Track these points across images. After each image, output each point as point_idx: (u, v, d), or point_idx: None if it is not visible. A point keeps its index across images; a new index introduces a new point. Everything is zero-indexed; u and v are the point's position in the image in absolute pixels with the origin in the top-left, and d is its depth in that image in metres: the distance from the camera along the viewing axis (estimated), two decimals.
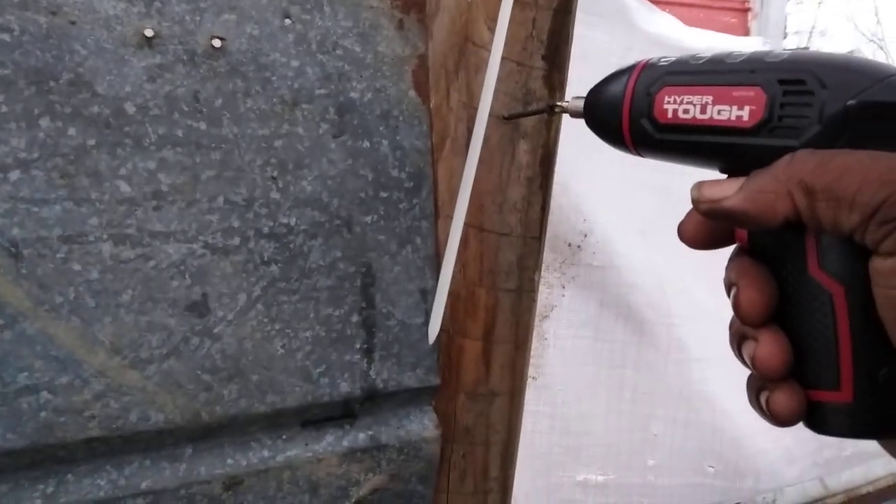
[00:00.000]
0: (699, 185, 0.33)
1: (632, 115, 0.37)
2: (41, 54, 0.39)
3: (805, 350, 0.31)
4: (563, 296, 0.76)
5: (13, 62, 0.38)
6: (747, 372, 0.95)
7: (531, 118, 0.49)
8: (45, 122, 0.39)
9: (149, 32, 0.41)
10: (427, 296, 0.49)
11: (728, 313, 0.86)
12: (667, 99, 0.35)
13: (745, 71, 0.33)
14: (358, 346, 0.48)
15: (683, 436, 0.87)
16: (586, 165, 0.73)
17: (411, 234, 0.49)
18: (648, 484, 0.87)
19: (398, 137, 0.48)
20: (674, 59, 0.36)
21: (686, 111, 0.34)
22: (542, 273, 0.73)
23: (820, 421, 0.31)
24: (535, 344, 0.76)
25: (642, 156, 0.39)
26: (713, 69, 0.34)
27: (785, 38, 4.28)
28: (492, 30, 0.47)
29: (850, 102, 0.29)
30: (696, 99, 0.34)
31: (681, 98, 0.34)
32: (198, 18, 0.42)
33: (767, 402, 0.31)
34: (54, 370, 0.39)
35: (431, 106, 0.48)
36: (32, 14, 0.38)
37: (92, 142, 0.40)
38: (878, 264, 0.28)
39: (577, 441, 0.82)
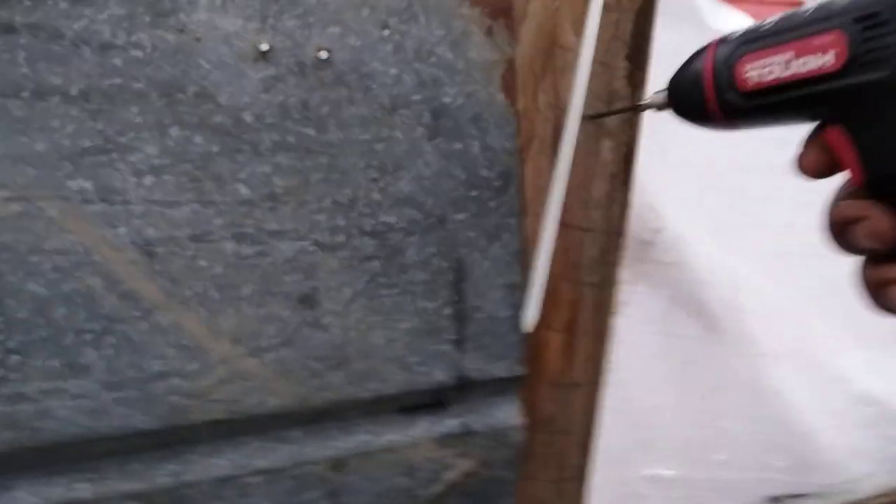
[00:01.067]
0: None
1: (717, 92, 0.38)
2: (170, 69, 0.42)
3: None
4: (635, 293, 0.77)
5: (145, 76, 0.42)
6: (817, 366, 0.94)
7: (615, 117, 0.51)
8: (174, 132, 0.42)
9: (264, 47, 0.44)
10: (514, 290, 0.52)
11: (793, 309, 0.86)
12: (747, 67, 0.37)
13: (818, 20, 0.34)
14: (450, 337, 0.50)
15: (752, 430, 0.87)
16: (659, 164, 0.75)
17: (500, 230, 0.51)
18: (716, 479, 0.87)
19: (488, 139, 0.50)
20: (742, 30, 0.38)
21: (770, 72, 0.36)
22: None
23: None
24: None
25: (738, 128, 0.40)
26: (786, 27, 0.35)
27: None
28: (577, 33, 0.49)
29: None
30: (776, 59, 0.35)
31: (761, 62, 0.36)
32: (306, 33, 0.45)
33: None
34: (184, 358, 0.42)
35: (519, 108, 0.51)
36: (161, 32, 0.42)
37: (216, 149, 0.43)
38: None
39: (647, 435, 0.83)
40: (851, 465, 0.94)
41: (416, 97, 0.48)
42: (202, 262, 0.43)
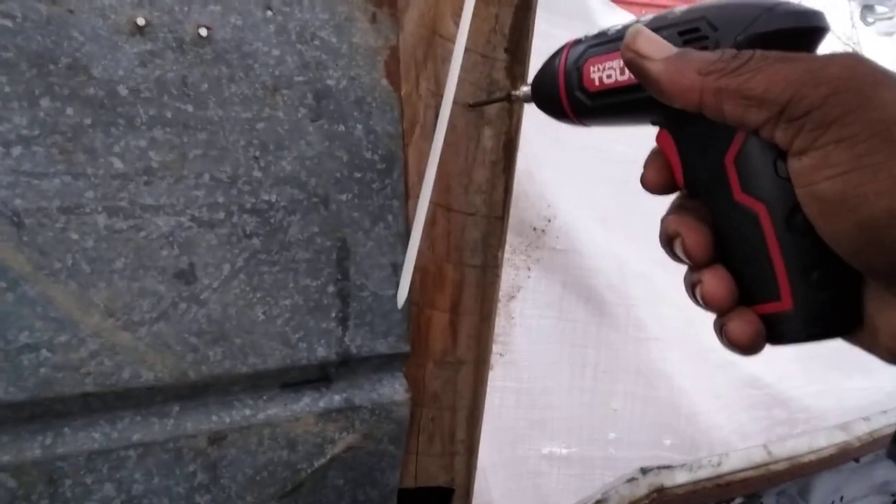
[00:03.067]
0: (637, 32, 0.35)
1: (567, 90, 0.41)
2: (41, 39, 0.42)
3: (745, 273, 0.34)
4: (529, 277, 0.80)
5: (15, 46, 0.41)
6: (704, 351, 1.00)
7: (495, 106, 0.53)
8: (45, 102, 0.42)
9: (140, 21, 0.44)
10: (398, 269, 0.54)
11: (680, 297, 0.92)
12: (592, 69, 0.39)
13: (652, 29, 0.36)
14: (334, 314, 0.52)
15: (642, 411, 0.92)
16: (550, 156, 0.78)
17: (383, 212, 0.53)
18: (609, 457, 0.92)
19: (371, 122, 0.52)
20: (594, 33, 0.41)
21: (609, 76, 0.38)
22: (510, 255, 0.77)
23: (772, 334, 0.34)
24: (502, 322, 0.81)
25: (586, 125, 0.43)
26: (623, 35, 0.37)
27: None
28: (458, 24, 0.51)
29: (739, 38, 0.33)
30: (615, 63, 0.38)
31: (603, 65, 0.39)
32: (186, 9, 0.46)
33: (726, 334, 0.34)
34: (53, 330, 0.42)
35: (402, 94, 0.52)
36: (33, 2, 0.42)
37: (88, 121, 0.43)
38: (794, 165, 0.31)
39: (542, 415, 0.86)
40: (738, 445, 1.01)
41: (300, 78, 0.49)
42: (73, 235, 0.43)
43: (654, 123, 0.39)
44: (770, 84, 0.30)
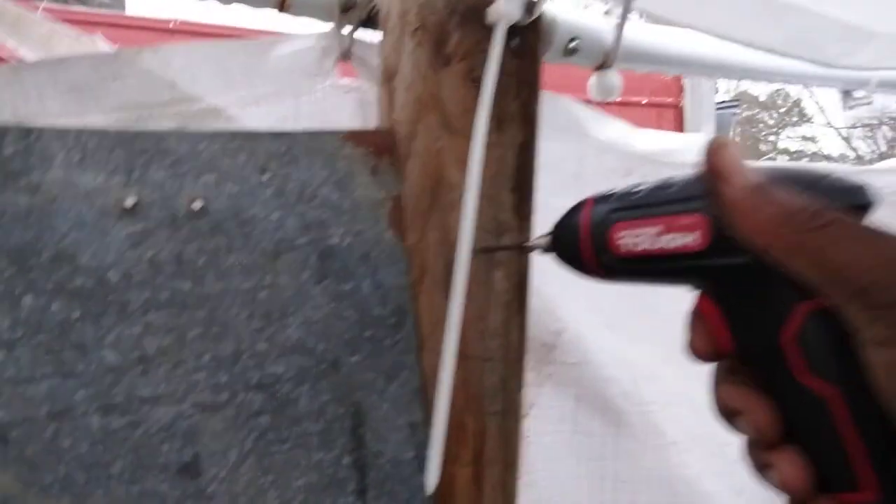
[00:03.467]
0: (723, 145, 0.32)
1: (594, 251, 0.39)
2: (21, 234, 0.39)
3: (819, 459, 0.31)
4: (541, 394, 0.77)
5: None
6: (721, 446, 0.95)
7: (504, 254, 0.51)
8: (27, 301, 0.39)
9: (129, 202, 0.42)
10: (416, 429, 0.50)
11: (692, 393, 0.88)
12: (618, 234, 0.37)
13: (683, 199, 0.35)
14: (351, 488, 0.47)
15: None
16: (552, 268, 0.76)
17: (397, 369, 0.49)
18: None
19: (378, 276, 0.49)
20: (617, 192, 0.39)
21: (640, 243, 0.36)
22: None
23: None
24: None
25: (617, 283, 0.41)
26: (656, 200, 0.36)
27: (716, 91, 4.50)
28: (461, 171, 0.49)
29: None
30: (646, 231, 0.36)
31: (632, 232, 0.37)
32: (177, 183, 0.43)
33: None
34: None
35: (408, 244, 0.50)
36: (11, 194, 0.39)
37: (76, 314, 0.40)
38: (876, 354, 0.28)
39: None
40: None
41: (301, 240, 0.47)
42: (64, 442, 0.39)
43: (696, 289, 0.37)
44: (854, 260, 0.28)
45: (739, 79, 0.88)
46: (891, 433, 0.30)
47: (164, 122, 0.49)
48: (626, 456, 0.83)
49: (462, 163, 0.48)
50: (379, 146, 0.49)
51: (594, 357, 0.78)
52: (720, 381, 0.36)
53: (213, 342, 0.43)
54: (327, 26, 0.56)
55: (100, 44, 0.54)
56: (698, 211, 0.34)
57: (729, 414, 0.35)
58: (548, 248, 0.44)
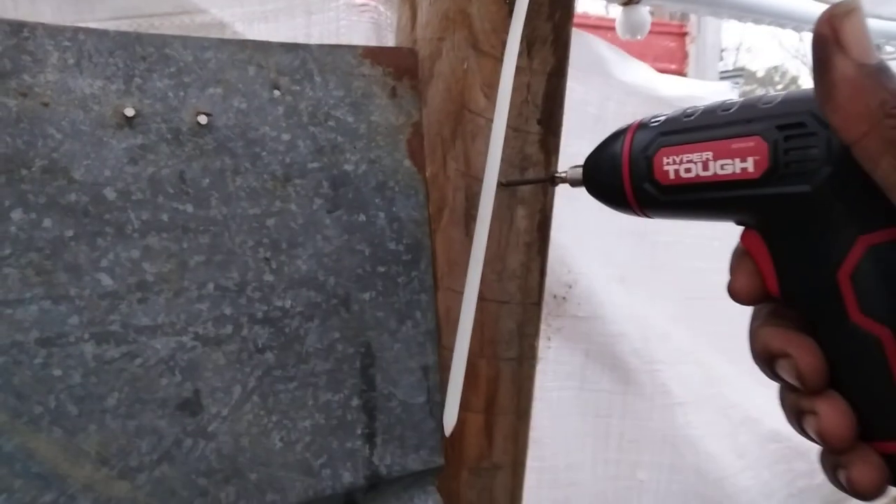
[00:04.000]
0: (852, 10, 0.27)
1: (633, 180, 0.36)
2: (11, 140, 0.35)
3: (865, 405, 0.30)
4: (549, 348, 0.75)
5: None
6: (725, 408, 0.93)
7: (527, 189, 0.48)
8: (16, 215, 0.35)
9: (129, 111, 0.38)
10: (429, 372, 0.47)
11: (701, 354, 0.85)
12: (665, 160, 0.34)
13: (740, 121, 0.32)
14: (359, 431, 0.45)
15: (669, 480, 0.86)
16: (568, 216, 0.73)
17: (411, 308, 0.46)
18: None
19: (394, 209, 0.46)
20: (664, 117, 0.35)
21: (688, 170, 0.33)
22: None
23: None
24: None
25: (650, 217, 0.37)
26: (708, 123, 0.33)
27: (721, 59, 4.45)
28: (488, 96, 0.45)
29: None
30: (695, 157, 0.33)
31: (679, 158, 0.34)
32: (181, 94, 0.39)
33: (847, 479, 0.29)
34: (36, 488, 0.35)
35: (428, 175, 0.46)
36: (1, 97, 0.35)
37: (70, 233, 0.36)
38: None
39: (566, 493, 0.80)
40: None
41: (314, 165, 0.43)
42: (55, 371, 0.36)
43: (739, 223, 0.34)
44: None
45: (769, 24, 0.84)
46: None
47: (165, 34, 0.45)
48: (632, 415, 0.82)
49: (489, 87, 0.45)
50: (399, 66, 0.45)
51: (605, 312, 0.76)
52: (762, 323, 0.33)
53: (216, 270, 0.40)
54: None
55: None
56: (757, 134, 0.31)
57: (769, 358, 0.32)
58: (577, 182, 0.40)
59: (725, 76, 4.44)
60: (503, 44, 0.44)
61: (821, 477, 1.02)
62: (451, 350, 0.46)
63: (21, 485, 0.35)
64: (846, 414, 0.29)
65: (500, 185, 0.47)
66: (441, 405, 0.47)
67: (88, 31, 0.37)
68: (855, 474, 0.29)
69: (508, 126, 0.46)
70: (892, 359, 0.29)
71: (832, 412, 0.29)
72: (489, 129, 0.44)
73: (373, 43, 0.54)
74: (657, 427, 0.82)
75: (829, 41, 0.27)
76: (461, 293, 0.46)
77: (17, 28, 0.36)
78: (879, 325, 0.29)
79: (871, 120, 0.26)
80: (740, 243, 0.34)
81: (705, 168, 0.32)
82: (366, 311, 0.45)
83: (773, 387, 0.95)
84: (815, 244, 0.30)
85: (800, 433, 0.32)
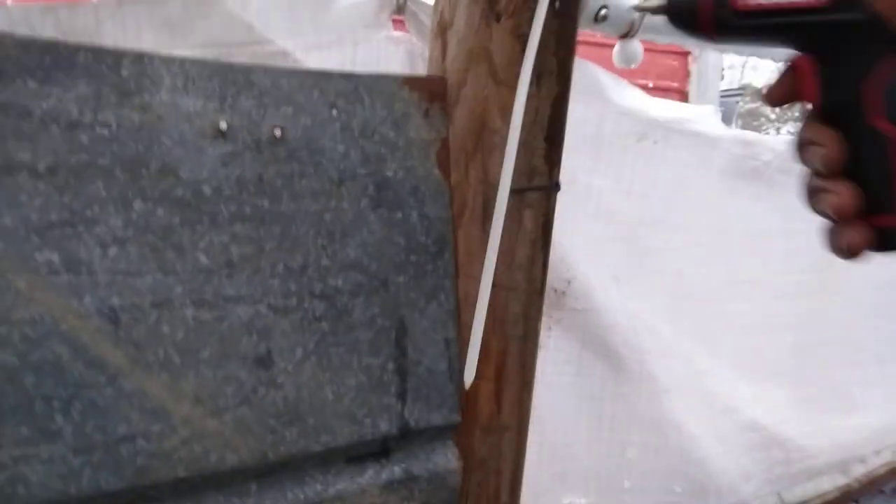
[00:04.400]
0: None
1: (714, 7, 0.41)
2: (134, 146, 0.45)
3: (869, 188, 0.39)
4: (550, 337, 0.84)
5: (111, 153, 0.44)
6: (708, 397, 1.05)
7: (534, 193, 0.58)
8: (137, 205, 0.45)
9: (223, 125, 0.48)
10: (450, 344, 0.57)
11: (686, 348, 0.97)
12: None
13: None
14: (393, 390, 0.54)
15: (654, 459, 0.95)
16: (567, 221, 0.83)
17: (436, 291, 0.56)
18: None
19: (425, 208, 0.56)
20: None
21: None
22: None
23: (886, 241, 0.39)
24: None
25: (723, 43, 0.44)
26: None
27: (722, 78, 4.56)
28: (504, 118, 0.55)
29: None
30: None
31: None
32: (262, 112, 0.49)
33: (842, 241, 0.39)
34: (148, 420, 0.44)
35: (452, 181, 0.56)
36: (127, 111, 0.45)
37: (176, 220, 0.46)
38: None
39: (563, 467, 0.90)
40: (742, 488, 1.05)
41: (362, 171, 0.53)
42: (164, 328, 0.45)
43: (797, 49, 0.42)
44: None
45: (760, 55, 0.95)
46: None
47: (241, 60, 0.55)
48: (622, 399, 0.91)
49: (505, 111, 0.55)
50: (432, 92, 0.55)
51: (599, 306, 0.85)
52: (806, 122, 0.42)
53: (285, 254, 0.50)
54: None
55: None
56: None
57: (804, 145, 0.41)
58: (659, 9, 0.46)
59: (728, 94, 4.56)
60: (517, 75, 0.54)
61: (797, 465, 1.13)
62: (469, 326, 0.56)
63: (137, 417, 0.44)
64: (853, 194, 0.39)
65: (512, 191, 0.57)
66: (460, 372, 0.57)
67: (193, 61, 0.47)
68: (849, 237, 0.39)
69: (519, 142, 0.56)
70: (892, 155, 0.38)
71: (844, 191, 0.39)
72: (504, 145, 0.54)
73: (407, 68, 0.65)
74: (644, 410, 0.92)
75: None
76: (478, 279, 0.56)
77: (139, 57, 0.46)
78: (893, 126, 0.38)
79: None
80: (790, 64, 0.42)
81: None
82: (400, 291, 0.55)
83: (753, 379, 1.06)
84: (853, 62, 0.39)
85: (813, 210, 0.41)
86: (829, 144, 0.40)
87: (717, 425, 1.01)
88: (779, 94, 0.43)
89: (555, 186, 0.54)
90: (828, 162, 0.40)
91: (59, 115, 0.43)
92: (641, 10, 0.49)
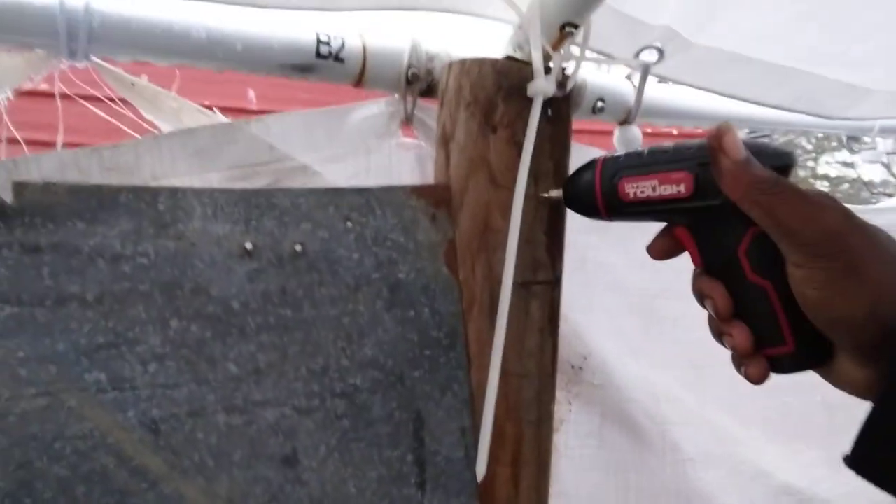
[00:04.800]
0: (727, 130, 0.46)
1: (604, 198, 0.53)
2: (170, 271, 0.51)
3: (759, 327, 0.47)
4: (570, 411, 0.87)
5: (150, 279, 0.50)
6: (736, 464, 1.06)
7: (538, 286, 0.61)
8: (174, 323, 0.50)
9: (248, 246, 0.53)
10: (465, 433, 0.60)
11: (711, 415, 0.99)
12: (627, 185, 0.52)
13: (675, 160, 0.50)
14: (413, 481, 0.58)
15: None
16: (581, 297, 0.86)
17: (450, 382, 0.60)
18: None
19: (436, 305, 0.60)
20: (624, 154, 0.53)
21: (642, 192, 0.51)
22: None
23: (778, 367, 0.48)
24: None
25: (613, 220, 0.55)
26: (653, 161, 0.51)
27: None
28: (505, 218, 0.59)
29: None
30: (647, 183, 0.51)
31: (636, 183, 0.51)
32: (283, 230, 0.55)
33: (746, 373, 0.48)
34: None
35: (461, 279, 0.61)
36: (163, 241, 0.51)
37: (209, 334, 0.51)
38: (791, 270, 0.45)
39: None
40: None
41: (376, 275, 0.58)
42: (199, 435, 0.50)
43: (675, 223, 0.53)
44: (788, 215, 0.44)
45: (751, 130, 1.02)
46: (801, 311, 0.45)
47: (265, 177, 0.61)
48: (647, 470, 0.92)
49: (505, 211, 0.59)
50: (437, 198, 0.60)
51: (617, 380, 0.88)
52: (696, 278, 0.52)
53: (307, 358, 0.55)
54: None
55: (218, 115, 0.66)
56: (685, 169, 0.49)
57: (701, 298, 0.51)
58: (559, 200, 0.59)
59: (754, 135, 4.59)
60: (515, 179, 0.59)
61: None
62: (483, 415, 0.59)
63: None
64: (747, 334, 0.48)
65: (518, 284, 0.61)
66: (476, 459, 0.60)
67: (221, 191, 0.53)
68: (751, 371, 0.48)
69: (522, 237, 0.61)
70: (774, 301, 0.46)
71: (739, 333, 0.48)
72: (506, 242, 0.59)
73: (416, 171, 0.70)
74: (670, 481, 0.92)
75: (714, 150, 0.47)
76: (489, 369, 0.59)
77: (174, 192, 0.52)
78: (764, 280, 0.47)
79: (743, 192, 0.46)
80: (669, 231, 0.53)
81: (654, 190, 0.51)
82: (416, 385, 0.59)
83: (783, 442, 1.06)
84: (723, 233, 0.49)
85: (720, 343, 0.51)
86: (718, 297, 0.49)
87: (747, 492, 1.01)
88: (660, 250, 0.54)
89: (546, 198, 0.60)
90: (719, 311, 0.49)
91: (105, 250, 0.49)
92: (547, 199, 0.61)
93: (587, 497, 0.90)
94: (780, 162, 0.47)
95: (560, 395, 0.87)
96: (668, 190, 0.50)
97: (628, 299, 0.92)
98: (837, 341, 0.45)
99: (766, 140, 0.50)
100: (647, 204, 0.51)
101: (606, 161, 0.54)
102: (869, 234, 0.43)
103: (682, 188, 0.49)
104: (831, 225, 0.43)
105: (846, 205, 0.46)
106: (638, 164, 0.52)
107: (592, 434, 0.89)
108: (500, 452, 0.62)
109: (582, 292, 0.87)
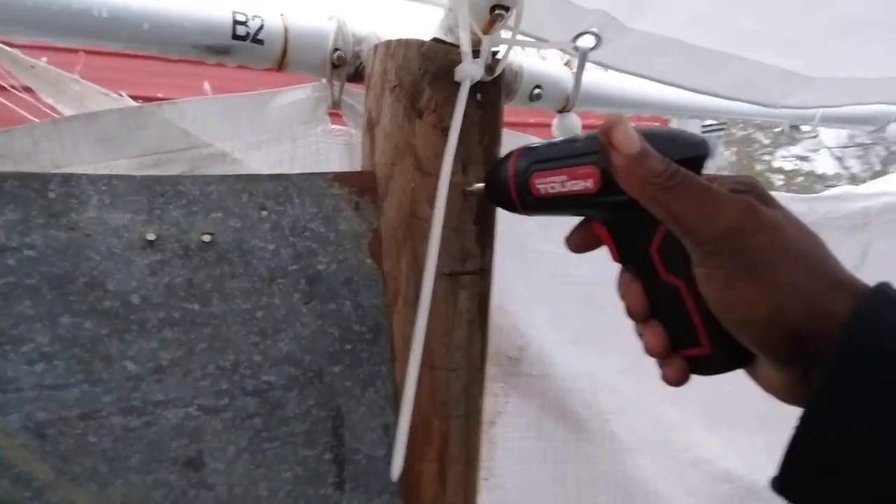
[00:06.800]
0: (617, 122, 0.44)
1: (517, 193, 0.51)
2: (61, 264, 0.47)
3: (674, 328, 0.45)
4: (508, 403, 0.85)
5: (38, 273, 0.46)
6: (676, 451, 1.06)
7: (467, 277, 0.59)
8: (64, 320, 0.47)
9: (151, 236, 0.49)
10: (388, 430, 0.58)
11: (650, 404, 0.98)
12: (537, 181, 0.50)
13: (582, 154, 0.47)
14: (331, 480, 0.55)
15: None
16: (521, 286, 0.84)
17: (373, 378, 0.57)
18: None
19: (359, 298, 0.57)
20: (535, 147, 0.51)
21: (552, 187, 0.49)
22: (488, 384, 0.82)
23: (696, 368, 0.45)
24: (485, 447, 0.84)
25: (531, 216, 0.53)
26: (561, 156, 0.49)
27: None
28: (431, 207, 0.57)
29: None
30: (556, 179, 0.49)
31: (546, 179, 0.49)
32: (191, 220, 0.51)
33: (664, 374, 0.46)
34: None
35: (385, 270, 0.58)
36: (54, 231, 0.47)
37: (104, 331, 0.48)
38: (694, 268, 0.42)
39: None
40: None
41: (293, 267, 0.55)
42: (91, 439, 0.47)
43: (589, 218, 0.51)
44: (686, 212, 0.41)
45: (690, 118, 1.01)
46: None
47: (179, 165, 0.57)
48: (586, 461, 0.92)
49: (432, 199, 0.56)
50: (361, 186, 0.57)
51: (557, 370, 0.86)
52: (620, 275, 0.49)
53: (216, 354, 0.51)
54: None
55: (126, 99, 0.62)
56: (592, 164, 0.47)
57: (622, 297, 0.49)
58: (481, 193, 0.56)
59: (708, 129, 4.67)
60: (441, 166, 0.56)
61: None
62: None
63: None
64: (662, 335, 0.45)
65: (444, 274, 0.58)
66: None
67: (120, 177, 0.49)
68: (668, 373, 0.46)
69: (450, 227, 0.58)
70: (687, 300, 0.44)
71: (653, 335, 0.46)
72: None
73: (346, 159, 0.67)
74: (608, 471, 0.92)
75: (605, 145, 0.44)
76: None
77: (66, 179, 0.48)
78: (677, 279, 0.44)
79: (639, 188, 0.43)
80: (588, 224, 0.51)
81: (563, 186, 0.48)
82: (336, 381, 0.56)
83: (724, 429, 1.06)
84: (635, 230, 0.46)
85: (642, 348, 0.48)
86: (631, 297, 0.47)
87: (686, 479, 1.01)
88: (577, 243, 0.52)
89: (470, 192, 0.58)
90: (631, 311, 0.47)
91: None
92: (470, 192, 0.58)
93: (525, 489, 0.89)
94: (693, 152, 0.44)
95: (497, 387, 0.86)
96: (577, 186, 0.47)
97: (569, 288, 0.91)
98: (746, 344, 0.42)
99: (677, 129, 0.46)
100: (558, 199, 0.49)
101: (521, 154, 0.51)
102: (777, 231, 0.40)
103: (589, 183, 0.47)
104: (730, 222, 0.40)
105: (772, 192, 0.44)
106: (548, 157, 0.49)
107: (531, 425, 0.88)
108: (426, 449, 0.60)
109: (521, 282, 0.86)
